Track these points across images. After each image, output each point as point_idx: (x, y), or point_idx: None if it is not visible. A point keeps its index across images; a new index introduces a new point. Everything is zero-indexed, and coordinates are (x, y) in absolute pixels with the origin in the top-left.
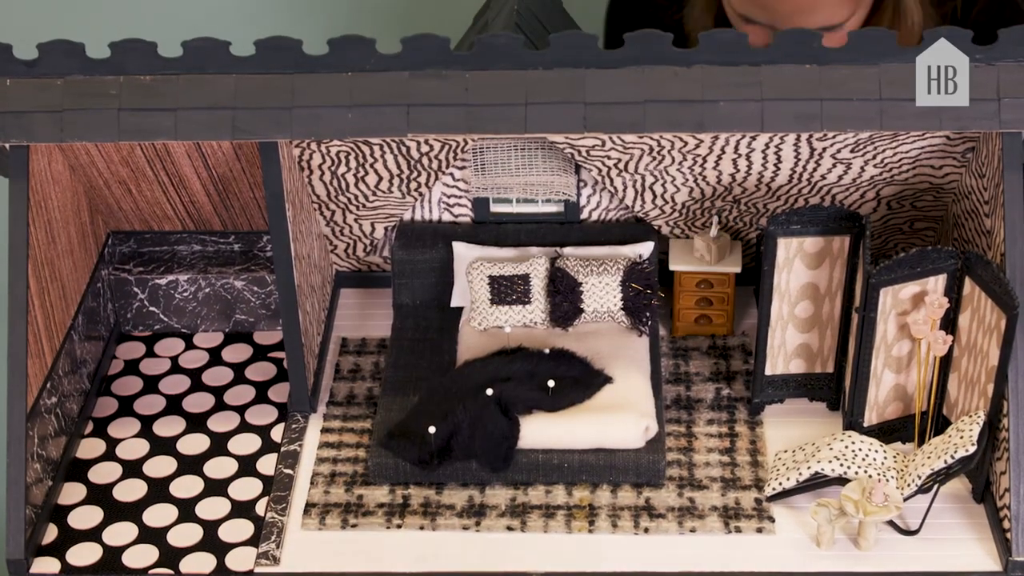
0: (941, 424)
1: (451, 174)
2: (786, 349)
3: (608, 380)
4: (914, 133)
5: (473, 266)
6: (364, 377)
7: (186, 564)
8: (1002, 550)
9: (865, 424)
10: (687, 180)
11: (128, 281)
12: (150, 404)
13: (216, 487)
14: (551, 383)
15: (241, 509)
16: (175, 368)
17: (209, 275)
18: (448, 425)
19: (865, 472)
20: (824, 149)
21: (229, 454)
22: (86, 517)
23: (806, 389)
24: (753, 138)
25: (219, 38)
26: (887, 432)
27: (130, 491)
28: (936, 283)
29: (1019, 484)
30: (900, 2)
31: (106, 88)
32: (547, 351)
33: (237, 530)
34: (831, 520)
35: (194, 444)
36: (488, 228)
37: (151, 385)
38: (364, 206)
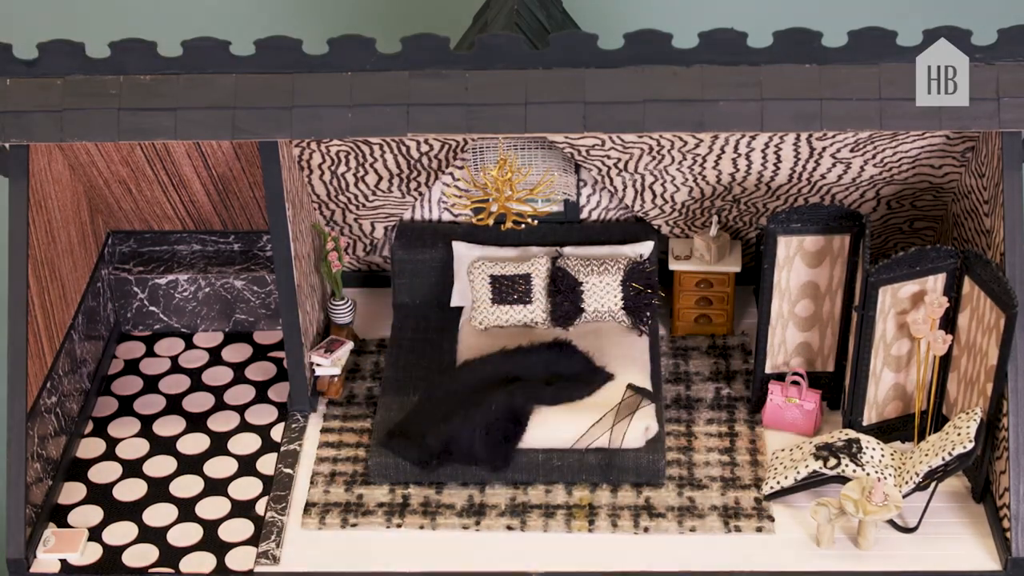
0: (940, 423)
1: (451, 173)
2: (786, 348)
3: (609, 377)
4: (914, 133)
5: (475, 265)
6: (364, 377)
7: (186, 563)
8: (1002, 549)
9: (864, 423)
10: (687, 180)
11: (128, 281)
12: (150, 404)
13: (216, 487)
14: (552, 378)
15: (241, 508)
16: (175, 368)
17: (209, 275)
18: (449, 428)
19: (863, 470)
20: (824, 149)
21: (229, 454)
22: (86, 516)
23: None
24: (753, 138)
25: (219, 38)
26: (886, 431)
27: (130, 491)
28: (935, 282)
29: (1019, 483)
30: None
31: (106, 88)
32: (549, 340)
33: (237, 529)
34: (831, 519)
35: (194, 444)
36: (488, 227)
37: (151, 385)
38: (364, 205)
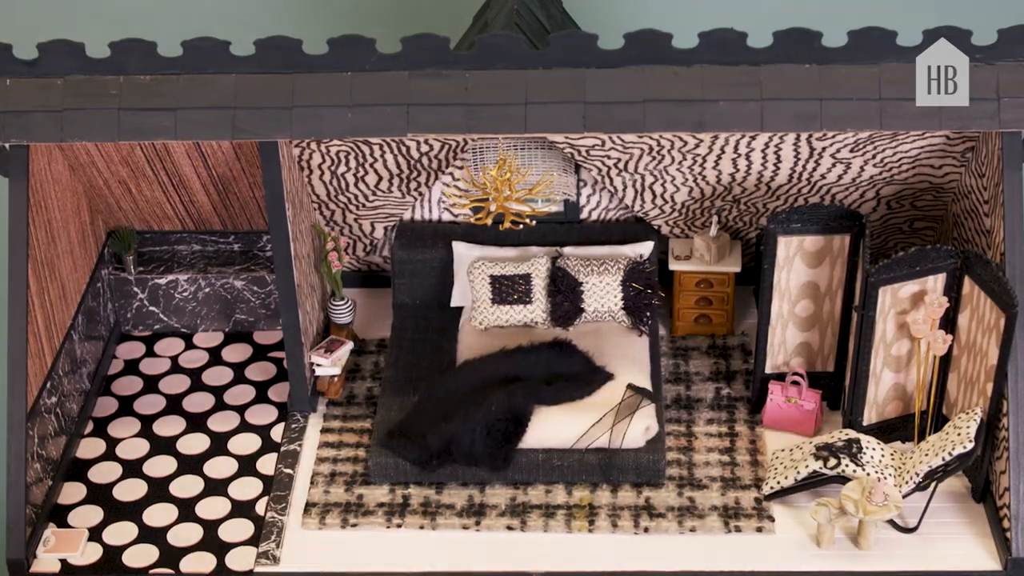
0: (940, 423)
1: (451, 174)
2: (786, 348)
3: (609, 377)
4: (914, 133)
5: (475, 265)
6: (364, 377)
7: (186, 564)
8: (1002, 549)
9: (864, 423)
10: (687, 180)
11: (128, 281)
12: (150, 404)
13: (216, 487)
14: (552, 378)
15: (241, 509)
16: (175, 368)
17: (209, 275)
18: (449, 428)
19: (863, 470)
20: (824, 149)
21: (229, 454)
22: (86, 517)
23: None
24: (753, 138)
25: (219, 38)
26: (886, 431)
27: (130, 491)
28: (935, 282)
29: (1019, 483)
30: None
31: (106, 88)
32: (549, 339)
33: (237, 530)
34: (831, 519)
35: (194, 444)
36: (488, 227)
37: (151, 385)
38: (364, 206)
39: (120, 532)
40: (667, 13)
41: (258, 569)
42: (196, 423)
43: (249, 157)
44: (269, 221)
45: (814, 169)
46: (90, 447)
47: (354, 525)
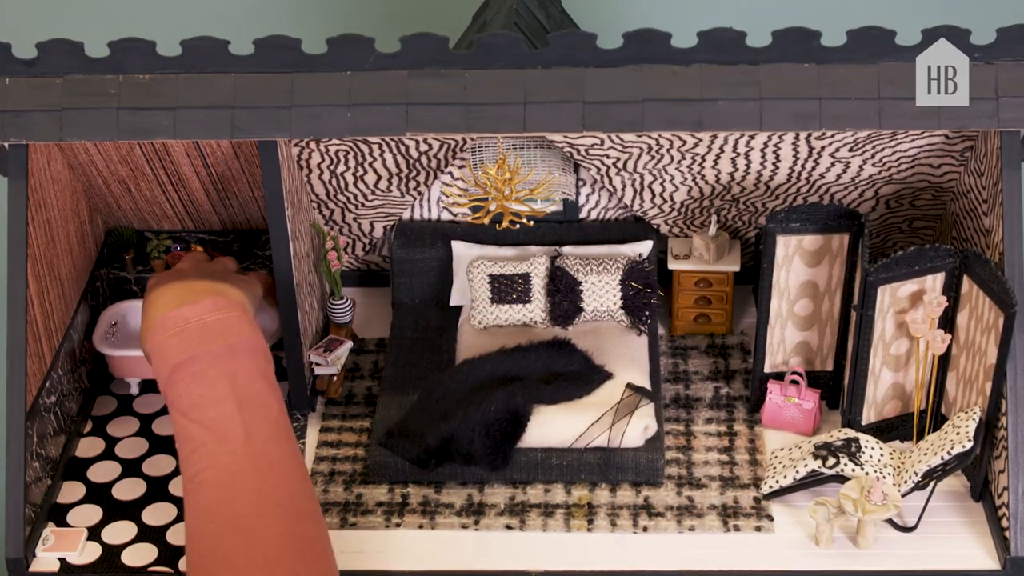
0: (939, 423)
1: (450, 173)
2: (785, 347)
3: (608, 376)
4: (912, 132)
5: (474, 265)
6: (363, 376)
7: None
8: (1000, 548)
9: (863, 422)
10: (686, 179)
11: (127, 280)
12: (149, 403)
13: None
14: (551, 377)
15: None
16: None
17: None
18: (448, 427)
19: (862, 469)
20: (823, 148)
21: None
22: (85, 516)
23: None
24: (752, 137)
25: (218, 37)
26: (885, 430)
27: (129, 490)
28: (934, 281)
29: (1017, 482)
30: None
31: (105, 87)
32: (548, 339)
33: None
34: (830, 518)
35: None
36: (487, 227)
37: (150, 384)
38: (363, 205)
39: (119, 531)
40: (666, 13)
41: None
42: None
43: (248, 156)
44: (268, 220)
45: (813, 168)
46: (89, 446)
47: (353, 524)
